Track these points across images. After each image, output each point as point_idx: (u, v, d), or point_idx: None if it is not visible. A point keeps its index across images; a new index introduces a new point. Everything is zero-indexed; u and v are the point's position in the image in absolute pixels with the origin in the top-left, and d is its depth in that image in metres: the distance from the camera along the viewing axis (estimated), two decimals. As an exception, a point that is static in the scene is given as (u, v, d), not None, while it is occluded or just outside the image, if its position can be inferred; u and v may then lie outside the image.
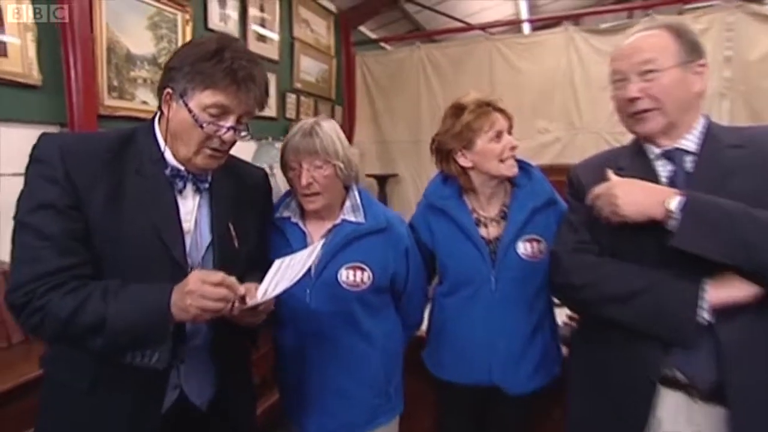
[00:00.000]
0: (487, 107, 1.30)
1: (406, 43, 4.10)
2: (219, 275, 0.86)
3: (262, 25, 2.90)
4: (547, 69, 3.50)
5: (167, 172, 0.98)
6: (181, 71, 0.92)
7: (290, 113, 3.23)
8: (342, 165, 1.23)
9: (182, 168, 0.99)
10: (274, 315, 1.34)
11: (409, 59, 3.83)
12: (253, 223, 1.13)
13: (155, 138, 0.99)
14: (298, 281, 0.96)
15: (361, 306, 1.26)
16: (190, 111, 0.92)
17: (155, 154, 0.97)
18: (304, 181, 1.20)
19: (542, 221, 1.31)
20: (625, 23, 3.35)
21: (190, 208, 1.02)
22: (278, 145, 2.86)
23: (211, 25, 2.43)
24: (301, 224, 1.28)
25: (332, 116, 3.83)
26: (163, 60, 2.15)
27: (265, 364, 1.52)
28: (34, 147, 0.91)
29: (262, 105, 1.00)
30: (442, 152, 1.37)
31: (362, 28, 4.20)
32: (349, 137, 4.00)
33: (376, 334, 1.28)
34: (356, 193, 1.32)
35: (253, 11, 2.79)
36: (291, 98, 3.24)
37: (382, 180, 3.88)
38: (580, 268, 1.06)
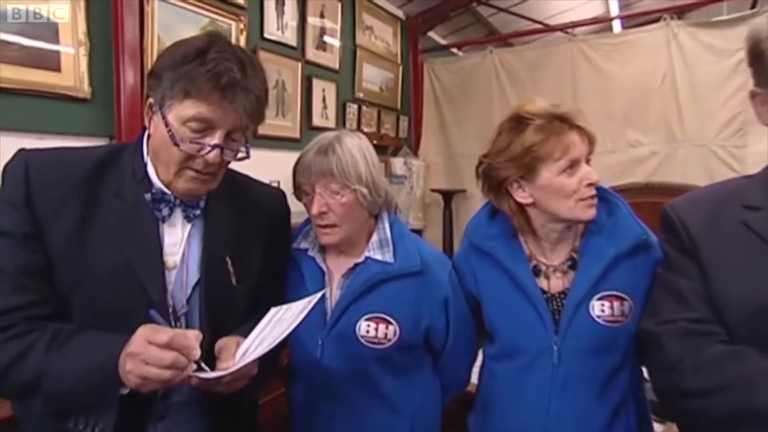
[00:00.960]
0: (560, 124, 0.95)
1: (478, 49, 3.81)
2: (166, 334, 0.67)
3: (323, 33, 2.79)
4: (640, 72, 3.02)
5: (148, 196, 0.82)
6: (160, 78, 0.78)
7: (351, 124, 3.09)
8: (365, 191, 1.00)
9: (168, 191, 0.83)
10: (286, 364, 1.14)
11: (480, 65, 3.54)
12: (259, 256, 0.94)
13: (142, 156, 0.86)
14: (281, 341, 0.75)
15: (382, 367, 1.02)
16: (167, 125, 0.76)
17: (138, 174, 0.84)
18: (315, 210, 0.99)
19: (628, 272, 0.96)
20: (749, 13, 2.79)
21: (178, 238, 0.86)
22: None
23: (267, 35, 2.36)
24: (318, 259, 1.07)
25: (397, 127, 3.64)
26: (215, 71, 2.09)
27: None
28: (6, 164, 0.80)
29: (258, 117, 0.82)
30: (491, 180, 1.03)
31: (432, 34, 3.98)
32: (415, 149, 3.79)
33: (404, 402, 1.04)
34: (386, 225, 1.08)
35: (312, 19, 2.69)
36: (352, 108, 3.10)
37: (448, 196, 3.61)
38: (703, 363, 0.73)
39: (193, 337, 0.71)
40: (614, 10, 4.20)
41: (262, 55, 2.33)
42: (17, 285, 0.75)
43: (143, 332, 0.69)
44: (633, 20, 3.89)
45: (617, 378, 0.98)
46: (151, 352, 0.67)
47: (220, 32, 0.90)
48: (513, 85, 3.43)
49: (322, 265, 1.07)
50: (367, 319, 1.01)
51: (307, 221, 1.14)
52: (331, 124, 2.92)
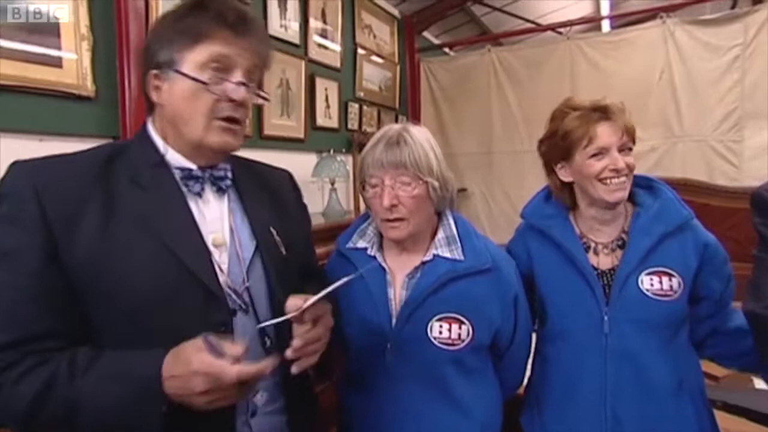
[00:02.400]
0: (594, 114, 1.03)
1: (473, 48, 3.81)
2: (232, 374, 0.62)
3: (324, 32, 2.73)
4: (638, 69, 3.07)
5: (176, 175, 0.78)
6: (159, 42, 0.75)
7: (352, 124, 3.03)
8: (436, 184, 0.95)
9: (194, 167, 0.79)
10: (341, 369, 1.09)
11: (478, 64, 3.53)
12: (293, 230, 0.91)
13: (151, 141, 0.80)
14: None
15: (455, 369, 0.97)
16: (185, 75, 0.73)
17: (153, 157, 0.78)
18: (386, 202, 0.93)
19: (676, 250, 1.03)
20: (744, 11, 2.85)
21: (217, 214, 0.81)
22: (340, 158, 2.65)
23: (271, 32, 2.28)
24: (379, 258, 1.02)
25: (395, 127, 3.59)
26: (221, 68, 2.01)
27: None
28: (1, 181, 0.71)
29: (267, 59, 0.80)
30: (543, 160, 1.16)
31: (426, 34, 3.96)
32: (412, 149, 3.75)
33: (475, 406, 1.00)
34: (451, 222, 1.03)
35: (314, 18, 2.62)
36: (353, 108, 3.04)
37: (447, 195, 3.58)
38: None
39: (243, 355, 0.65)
40: (605, 10, 4.27)
41: (267, 53, 2.25)
42: (22, 314, 0.66)
43: (205, 369, 0.62)
44: (623, 19, 3.95)
45: (669, 353, 1.02)
46: (221, 388, 0.63)
47: None
48: (511, 84, 3.44)
49: (384, 264, 1.02)
50: (440, 320, 0.96)
51: (361, 219, 1.09)
52: (334, 124, 2.85)
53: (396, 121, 3.61)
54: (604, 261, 1.07)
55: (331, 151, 2.63)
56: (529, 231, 1.16)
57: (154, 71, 0.76)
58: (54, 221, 0.68)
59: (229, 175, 0.83)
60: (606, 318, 1.02)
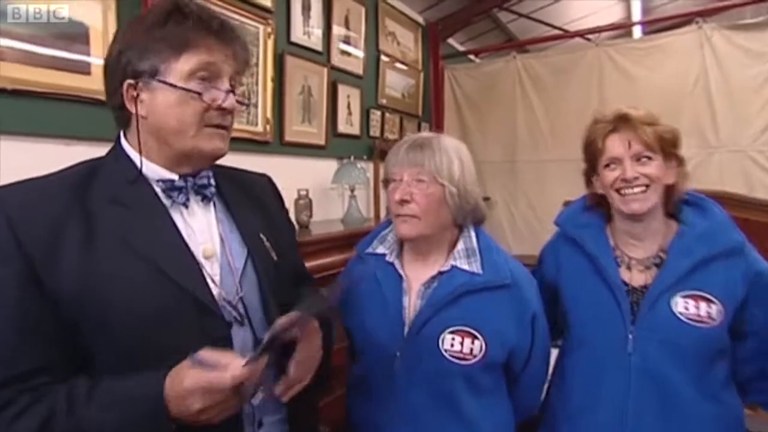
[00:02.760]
0: (608, 124, 1.03)
1: (499, 55, 3.75)
2: (225, 383, 0.62)
3: (347, 39, 2.73)
4: (671, 76, 2.96)
5: (157, 187, 0.75)
6: (136, 50, 0.72)
7: (374, 131, 3.02)
8: (454, 190, 0.95)
9: (175, 177, 0.77)
10: (348, 376, 1.08)
11: (503, 71, 3.48)
12: (281, 235, 0.91)
13: (127, 157, 0.76)
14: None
15: (464, 384, 0.94)
16: (173, 86, 0.71)
17: (131, 173, 0.74)
18: (398, 196, 0.95)
19: (721, 276, 0.96)
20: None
21: (205, 224, 0.79)
22: (360, 165, 2.64)
23: (293, 39, 2.30)
24: (397, 265, 1.02)
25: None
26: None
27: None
28: None
29: (247, 62, 0.80)
30: (584, 172, 1.15)
31: (451, 41, 3.93)
32: (435, 157, 3.71)
33: (482, 424, 0.96)
34: (473, 234, 1.02)
35: (337, 25, 2.63)
36: (375, 115, 3.03)
37: (470, 203, 3.52)
38: None
39: (235, 365, 0.64)
40: (636, 15, 4.14)
41: (290, 60, 2.27)
42: (12, 352, 0.64)
43: (197, 384, 0.62)
44: (655, 25, 3.82)
45: (703, 386, 0.96)
46: (218, 399, 0.62)
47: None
48: (537, 91, 3.37)
49: (401, 271, 1.02)
50: (452, 332, 0.94)
51: (383, 225, 1.08)
52: (356, 131, 2.85)
53: (419, 128, 3.58)
54: (637, 278, 1.02)
55: (352, 158, 2.62)
56: (562, 239, 1.14)
57: (130, 81, 0.72)
58: (33, 253, 0.65)
59: (212, 182, 0.82)
60: (630, 337, 0.97)
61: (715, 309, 0.94)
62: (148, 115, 0.73)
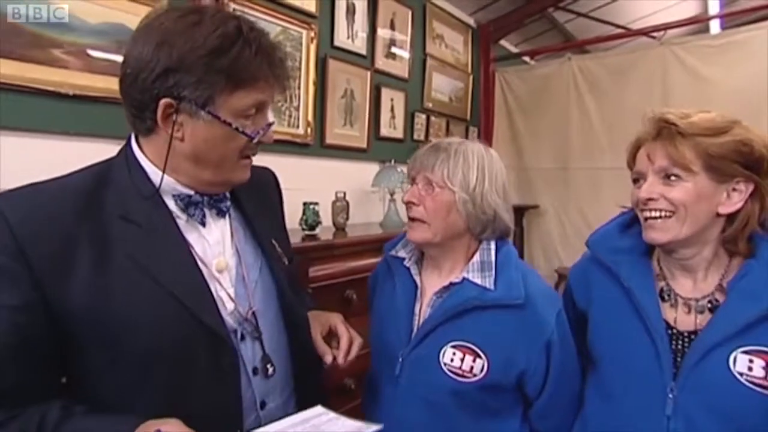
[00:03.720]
0: (650, 131, 0.84)
1: (555, 56, 3.59)
2: None
3: (393, 42, 2.73)
4: (749, 76, 2.67)
5: (172, 202, 0.73)
6: (188, 73, 0.65)
7: (419, 134, 2.99)
8: (466, 197, 0.90)
9: (192, 193, 0.74)
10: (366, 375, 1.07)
11: (557, 74, 3.32)
12: (284, 235, 0.94)
13: (142, 169, 0.72)
14: None
15: (460, 403, 0.89)
16: (224, 122, 0.68)
17: (145, 188, 0.71)
18: (406, 197, 0.94)
19: None
20: None
21: (219, 237, 0.78)
22: (401, 168, 2.62)
23: (337, 43, 2.33)
24: (414, 271, 1.00)
25: (466, 138, 3.48)
26: (285, 79, 2.08)
27: None
28: None
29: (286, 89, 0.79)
30: None
31: (504, 43, 3.81)
32: (483, 162, 3.62)
33: None
34: (492, 247, 0.95)
35: (383, 28, 2.63)
36: (420, 118, 3.00)
37: (519, 212, 3.39)
38: None
39: None
40: (713, 8, 3.77)
41: (332, 64, 2.30)
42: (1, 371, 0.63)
43: None
44: (736, 19, 3.47)
45: None
46: None
47: (219, 6, 0.84)
48: (593, 94, 3.18)
49: (416, 278, 1.00)
50: (454, 346, 0.90)
51: None
52: (399, 134, 2.84)
53: (466, 132, 3.51)
54: (685, 320, 0.82)
55: (393, 162, 2.61)
56: (595, 265, 0.94)
57: (170, 101, 0.66)
58: (41, 273, 0.63)
59: (228, 195, 0.80)
60: (671, 396, 0.78)
61: None
62: (186, 139, 0.69)
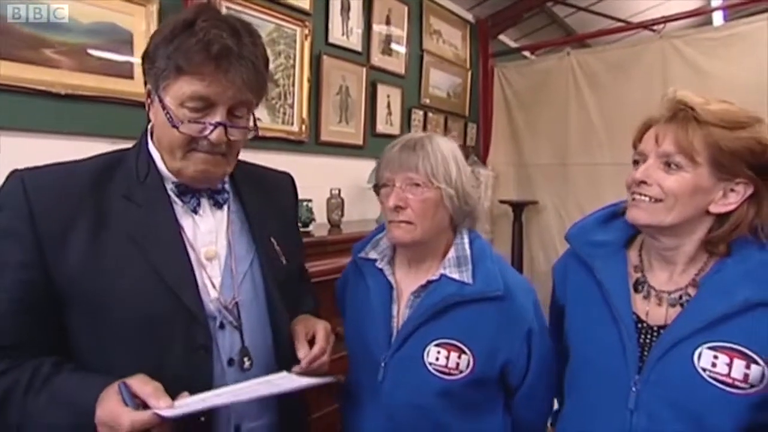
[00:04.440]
0: (665, 113, 0.81)
1: (555, 51, 3.56)
2: (127, 423, 0.60)
3: (389, 38, 2.72)
4: (753, 69, 2.62)
5: (170, 189, 0.77)
6: (152, 59, 0.72)
7: (416, 131, 2.97)
8: (452, 192, 0.90)
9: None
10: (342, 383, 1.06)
11: (556, 69, 3.29)
12: (291, 237, 0.95)
13: (148, 154, 0.79)
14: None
15: (448, 402, 0.89)
16: (164, 108, 0.70)
17: (142, 172, 0.77)
18: (392, 202, 0.90)
19: (765, 327, 0.72)
20: None
21: (212, 226, 0.80)
22: (397, 165, 2.62)
23: (332, 40, 2.32)
24: (387, 272, 0.98)
25: (465, 134, 3.49)
26: (279, 76, 2.09)
27: None
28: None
29: (260, 88, 0.75)
30: None
31: (503, 38, 3.79)
32: (484, 157, 3.61)
33: None
34: (466, 241, 0.95)
35: (378, 24, 2.62)
36: (417, 114, 2.99)
37: (518, 207, 3.38)
38: None
39: (154, 398, 0.63)
40: (716, 1, 3.71)
41: (327, 61, 2.30)
42: (3, 324, 0.69)
43: (104, 418, 0.62)
44: (739, 10, 3.41)
45: None
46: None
47: (211, 4, 0.84)
48: (593, 89, 3.15)
49: (391, 279, 0.98)
50: (438, 345, 0.89)
51: (378, 229, 1.05)
52: (396, 130, 2.83)
53: (465, 128, 3.49)
54: (656, 314, 0.81)
55: (389, 159, 2.60)
56: (573, 258, 0.94)
57: (147, 87, 0.75)
58: (45, 237, 0.69)
59: (227, 187, 0.83)
60: (634, 390, 0.77)
61: (756, 371, 0.70)
62: (154, 123, 0.77)
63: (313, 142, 2.30)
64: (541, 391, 0.96)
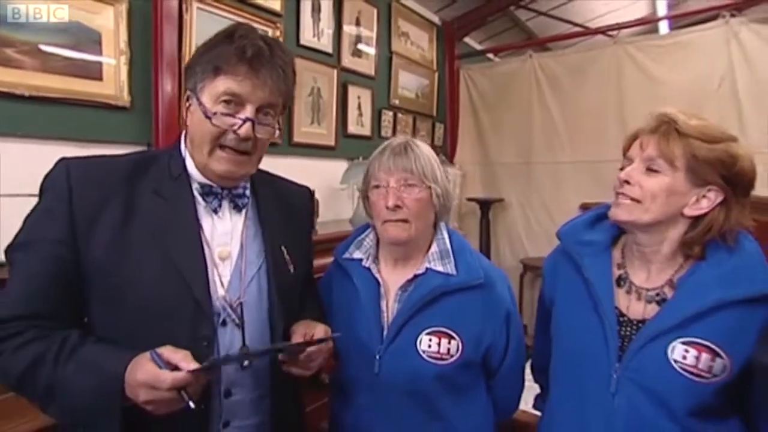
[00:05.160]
0: (653, 125, 0.87)
1: (517, 54, 3.70)
2: (166, 382, 0.67)
3: (359, 40, 2.75)
4: (694, 75, 2.83)
5: (195, 188, 0.83)
6: (192, 67, 0.81)
7: (386, 131, 3.04)
8: (440, 191, 0.98)
9: (214, 184, 0.85)
10: (332, 379, 1.10)
11: (519, 71, 3.43)
12: (303, 246, 0.98)
13: (180, 155, 0.86)
14: None
15: (442, 386, 0.96)
16: (200, 104, 0.79)
17: (175, 171, 0.84)
18: (391, 202, 0.95)
19: (735, 326, 0.80)
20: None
21: (228, 228, 0.86)
22: (369, 166, 2.66)
23: (303, 41, 2.34)
24: (374, 269, 1.03)
25: (432, 134, 3.57)
26: (251, 79, 2.08)
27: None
28: (46, 175, 0.79)
29: (286, 94, 0.83)
30: None
31: (468, 40, 3.89)
32: (451, 157, 3.70)
33: (462, 424, 0.98)
34: (446, 236, 1.03)
35: (348, 25, 2.65)
36: (387, 115, 3.04)
37: (485, 205, 3.50)
38: None
39: (183, 361, 0.69)
40: (661, 10, 3.98)
41: (299, 63, 2.30)
42: (37, 293, 0.74)
43: (144, 379, 0.67)
44: (682, 20, 3.67)
45: None
46: (160, 396, 0.67)
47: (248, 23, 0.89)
48: (554, 91, 3.31)
49: (377, 276, 1.03)
50: (429, 333, 0.95)
51: (360, 230, 1.09)
52: (366, 131, 2.87)
53: (433, 128, 3.57)
54: (635, 308, 0.88)
55: (361, 159, 2.64)
56: (563, 254, 1.01)
57: (188, 92, 0.83)
58: (78, 216, 0.76)
59: (248, 193, 0.89)
60: (614, 376, 0.85)
61: (720, 363, 0.79)
62: (189, 124, 0.83)
63: (286, 144, 2.31)
64: (516, 372, 1.05)
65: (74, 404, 0.71)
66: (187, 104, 0.83)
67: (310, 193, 1.07)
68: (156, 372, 0.67)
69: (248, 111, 0.78)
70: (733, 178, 0.82)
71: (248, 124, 0.78)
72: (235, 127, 0.78)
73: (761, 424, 0.81)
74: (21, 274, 0.75)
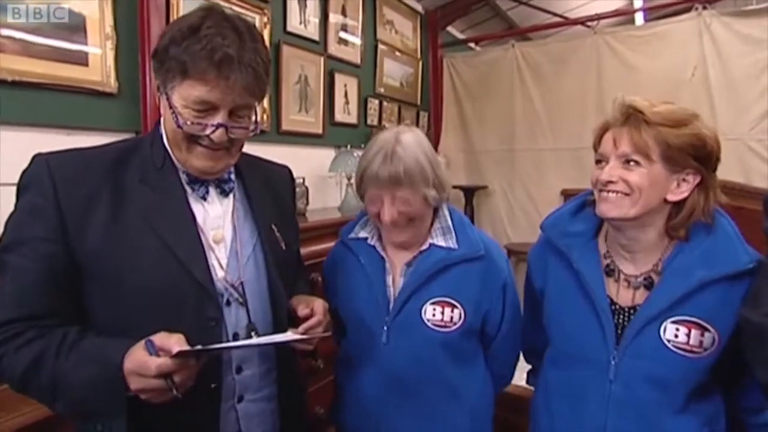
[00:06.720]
0: (618, 117, 0.89)
1: (499, 43, 3.74)
2: (152, 367, 0.67)
3: (344, 28, 2.75)
4: (669, 64, 2.94)
5: (182, 177, 0.83)
6: (161, 58, 0.75)
7: (372, 119, 3.05)
8: (433, 192, 0.99)
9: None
10: (338, 348, 1.14)
11: (502, 60, 3.48)
12: (290, 224, 1.00)
13: (162, 143, 0.84)
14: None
15: (447, 353, 1.02)
16: (170, 107, 0.76)
17: (158, 161, 0.82)
18: (387, 219, 0.98)
19: (719, 301, 0.84)
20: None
21: (220, 212, 0.86)
22: (357, 153, 2.67)
23: (290, 28, 2.32)
24: (379, 247, 1.07)
25: (417, 122, 3.59)
26: (239, 65, 2.06)
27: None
28: (23, 172, 0.77)
29: (258, 93, 0.79)
30: None
31: (451, 29, 3.92)
32: (435, 145, 3.72)
33: (466, 390, 1.04)
34: (447, 213, 1.07)
35: (334, 15, 2.65)
36: (373, 104, 3.05)
37: (469, 192, 3.55)
38: None
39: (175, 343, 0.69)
40: (638, 2, 4.10)
41: (286, 50, 2.30)
42: (33, 294, 0.73)
43: (133, 367, 0.67)
44: (657, 12, 3.78)
45: (686, 415, 0.87)
46: (149, 384, 0.67)
47: (217, 5, 0.87)
48: (535, 80, 3.37)
49: (383, 253, 1.07)
50: (433, 303, 1.01)
51: (363, 212, 1.12)
52: (353, 119, 2.88)
53: (417, 117, 3.60)
54: (625, 295, 0.92)
55: (349, 147, 2.65)
56: (548, 246, 1.02)
57: (157, 82, 0.78)
58: (68, 214, 0.74)
59: (233, 177, 0.89)
60: (613, 363, 0.88)
61: (708, 337, 0.84)
62: (163, 116, 0.80)
63: (274, 132, 2.30)
64: (510, 343, 1.11)
65: (79, 397, 0.70)
66: (158, 95, 0.80)
67: (290, 172, 1.07)
68: (143, 359, 0.67)
69: (220, 117, 0.75)
70: (704, 158, 0.86)
71: (221, 130, 0.76)
72: (208, 132, 0.76)
73: (753, 379, 0.84)
74: (14, 276, 0.73)
